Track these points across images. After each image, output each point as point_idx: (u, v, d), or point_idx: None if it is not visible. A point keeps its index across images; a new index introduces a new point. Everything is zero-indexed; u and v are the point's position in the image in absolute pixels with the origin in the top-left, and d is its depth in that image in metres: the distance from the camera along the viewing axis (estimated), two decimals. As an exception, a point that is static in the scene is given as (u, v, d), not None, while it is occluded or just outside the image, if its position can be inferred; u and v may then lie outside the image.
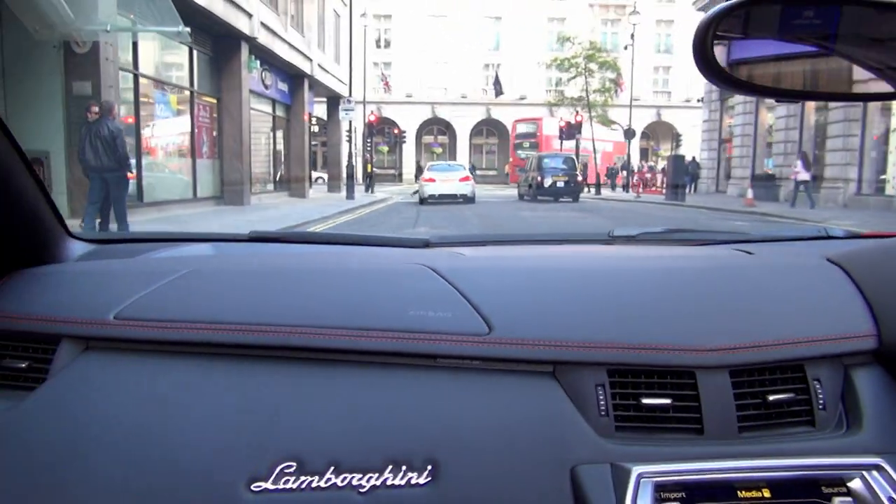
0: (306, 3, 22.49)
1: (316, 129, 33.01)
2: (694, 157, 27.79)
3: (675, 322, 1.01)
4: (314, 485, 0.86)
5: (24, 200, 1.12)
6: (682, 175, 24.29)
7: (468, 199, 21.14)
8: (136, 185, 12.69)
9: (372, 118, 30.56)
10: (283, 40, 19.39)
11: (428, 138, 48.54)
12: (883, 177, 17.79)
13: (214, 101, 16.83)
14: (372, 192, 26.84)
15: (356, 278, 1.13)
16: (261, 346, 0.98)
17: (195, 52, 15.74)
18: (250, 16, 16.25)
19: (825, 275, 1.14)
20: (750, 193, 19.38)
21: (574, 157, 25.97)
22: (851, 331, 1.02)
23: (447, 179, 21.36)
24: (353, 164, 23.14)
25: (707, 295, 1.08)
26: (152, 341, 1.00)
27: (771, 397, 0.96)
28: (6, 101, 10.12)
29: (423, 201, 21.05)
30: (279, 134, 22.12)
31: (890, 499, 0.87)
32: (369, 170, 28.56)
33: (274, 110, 21.41)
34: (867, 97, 1.01)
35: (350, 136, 24.80)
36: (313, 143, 31.01)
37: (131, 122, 12.78)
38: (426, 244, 1.50)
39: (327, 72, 25.14)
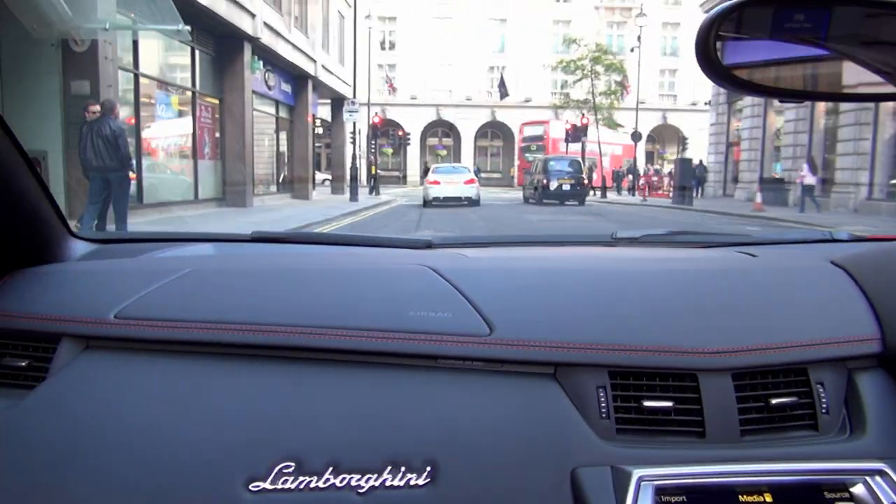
0: (310, 3, 22.34)
1: (320, 130, 32.89)
2: (701, 161, 27.55)
3: (677, 324, 1.00)
4: (313, 485, 0.86)
5: (26, 200, 1.12)
6: (689, 178, 24.16)
7: (473, 202, 20.98)
8: (137, 185, 12.54)
9: (376, 120, 30.42)
10: (287, 41, 19.23)
11: (432, 140, 48.49)
12: (894, 181, 17.53)
13: (217, 101, 16.68)
14: (377, 194, 26.71)
15: (357, 279, 1.12)
16: (261, 345, 0.98)
17: (197, 53, 15.59)
18: (253, 16, 16.10)
19: (829, 278, 1.13)
20: (759, 198, 19.16)
21: (580, 160, 25.87)
22: (855, 334, 1.01)
23: (452, 182, 21.22)
24: (357, 166, 22.97)
25: (710, 297, 1.07)
26: (152, 341, 1.00)
27: (773, 401, 0.96)
28: (3, 101, 9.97)
29: (427, 204, 20.89)
30: (282, 135, 21.95)
31: None
32: (373, 172, 28.37)
33: (277, 111, 21.25)
34: (873, 98, 1.01)
35: (354, 138, 24.65)
36: (317, 144, 30.87)
37: (132, 123, 12.61)
38: (428, 245, 1.49)
39: (331, 73, 25.00)
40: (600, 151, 32.52)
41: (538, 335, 0.97)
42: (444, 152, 46.91)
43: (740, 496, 0.88)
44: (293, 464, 0.87)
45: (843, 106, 17.84)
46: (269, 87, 19.56)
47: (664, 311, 1.03)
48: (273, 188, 21.05)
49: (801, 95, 1.05)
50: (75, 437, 0.91)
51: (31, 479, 0.89)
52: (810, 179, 18.07)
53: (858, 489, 0.88)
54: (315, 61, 22.33)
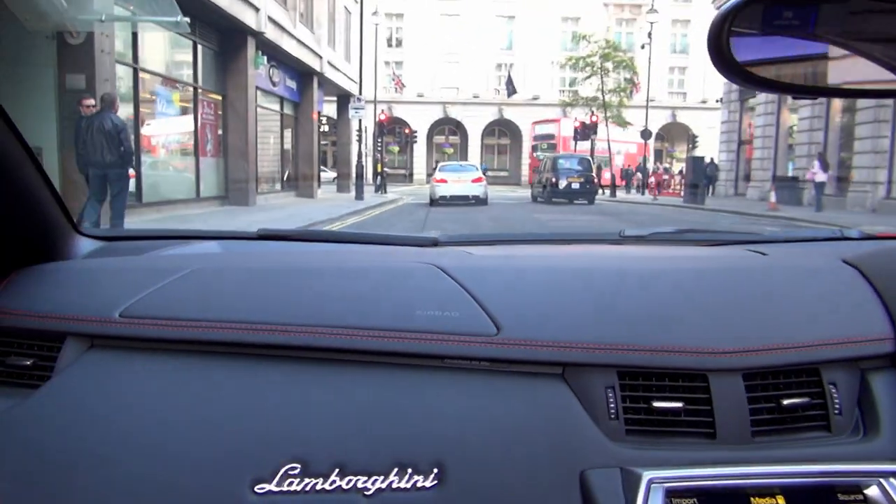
0: (316, -2, 22.07)
1: (326, 128, 32.69)
2: (712, 159, 27.20)
3: (687, 324, 0.99)
4: (319, 487, 0.85)
5: (31, 197, 1.11)
6: (700, 177, 23.86)
7: (480, 201, 20.71)
8: (136, 184, 12.26)
9: (382, 117, 30.17)
10: (292, 36, 18.93)
11: (439, 138, 48.26)
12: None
13: (220, 97, 16.39)
14: (384, 192, 26.48)
15: (364, 277, 1.11)
16: (266, 344, 0.97)
17: (199, 47, 15.29)
18: (257, 10, 15.79)
19: (841, 276, 1.12)
20: (773, 197, 18.84)
21: (589, 159, 25.63)
22: (868, 334, 1.00)
23: (459, 180, 20.96)
24: (364, 164, 22.70)
25: (720, 296, 1.07)
26: (157, 340, 0.99)
27: (785, 401, 0.95)
28: (-4, 95, 9.67)
29: (433, 203, 20.65)
30: (287, 133, 21.67)
31: None
32: (380, 169, 28.11)
33: (282, 108, 20.97)
34: (888, 94, 1.04)
35: (360, 136, 24.40)
36: (323, 142, 30.66)
37: (130, 119, 12.28)
38: (435, 243, 1.48)
39: (337, 69, 24.70)
40: (610, 149, 32.18)
41: (546, 335, 0.96)
42: (450, 150, 46.65)
43: (752, 498, 0.86)
44: (299, 465, 0.86)
45: (861, 103, 17.55)
46: (274, 84, 19.28)
47: (673, 310, 1.02)
48: (277, 186, 20.76)
49: (816, 91, 1.02)
50: (79, 437, 0.90)
51: (36, 479, 0.88)
52: (821, 177, 17.79)
53: (873, 491, 0.87)
54: (321, 57, 22.02)
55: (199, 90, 15.49)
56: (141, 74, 12.95)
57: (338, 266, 1.18)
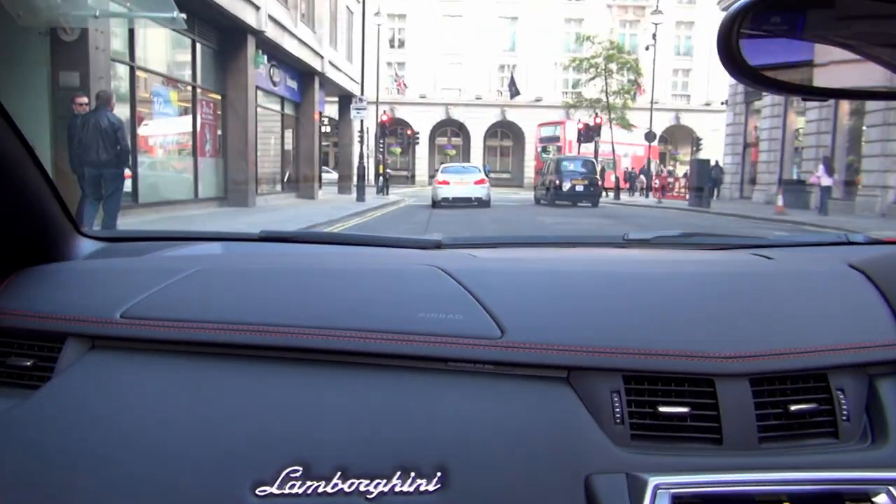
0: (318, -2, 21.86)
1: (328, 129, 32.50)
2: (717, 162, 26.99)
3: (693, 328, 0.99)
4: (320, 490, 0.85)
5: (33, 196, 1.11)
6: (705, 180, 23.60)
7: (483, 203, 20.48)
8: (132, 184, 12.02)
9: (384, 118, 29.96)
10: (293, 35, 18.71)
11: (441, 140, 48.08)
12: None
13: (219, 97, 16.17)
14: (386, 193, 26.27)
15: (366, 279, 1.11)
16: (268, 346, 0.97)
17: (198, 46, 15.07)
18: (257, 8, 15.57)
19: (848, 281, 1.12)
20: (780, 200, 18.56)
21: (594, 161, 25.44)
22: (876, 339, 0.99)
23: (461, 182, 20.76)
24: (365, 165, 22.48)
25: (726, 300, 1.06)
26: (159, 341, 0.99)
27: (792, 407, 0.94)
28: (-12, 93, 9.44)
29: (436, 205, 20.43)
30: (288, 133, 21.45)
31: None
32: (382, 171, 27.90)
33: (283, 108, 20.75)
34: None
35: (362, 137, 24.18)
36: (325, 143, 30.46)
37: (126, 119, 12.06)
38: (438, 245, 1.48)
39: (339, 70, 24.49)
40: (614, 151, 31.96)
41: (551, 338, 0.95)
42: (453, 152, 46.50)
43: None
44: (301, 468, 0.85)
45: (870, 106, 17.32)
46: (275, 83, 19.06)
47: (679, 314, 1.01)
48: (278, 187, 20.55)
49: (828, 94, 0.99)
50: (80, 438, 0.90)
51: (36, 479, 0.88)
52: (826, 181, 17.55)
53: (881, 499, 0.86)
54: (322, 57, 21.81)
55: (198, 89, 15.26)
56: (138, 73, 12.73)
57: (340, 268, 1.17)
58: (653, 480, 0.85)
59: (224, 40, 15.79)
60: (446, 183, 20.72)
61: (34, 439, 0.91)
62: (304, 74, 21.33)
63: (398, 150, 45.50)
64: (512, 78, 44.36)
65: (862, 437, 0.95)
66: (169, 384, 0.95)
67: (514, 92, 43.92)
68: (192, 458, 0.87)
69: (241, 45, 15.90)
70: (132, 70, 12.44)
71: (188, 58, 14.97)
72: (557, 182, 22.59)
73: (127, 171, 9.46)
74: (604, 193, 27.13)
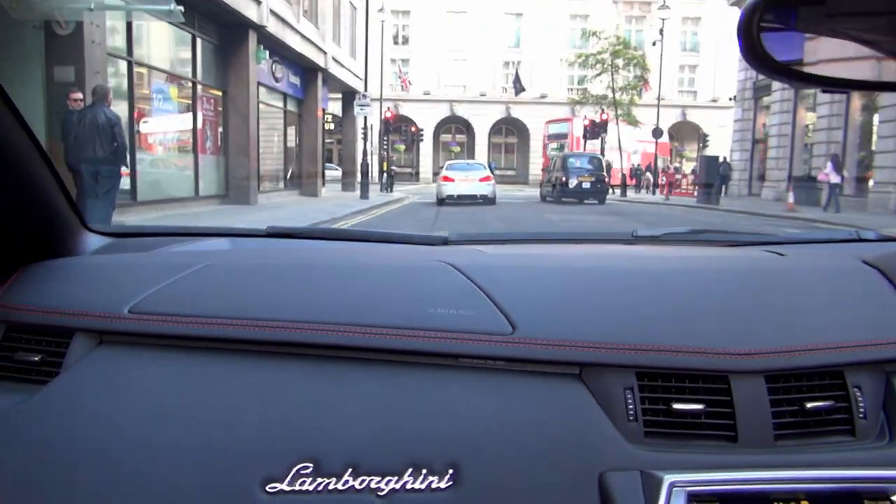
0: (321, -7, 21.62)
1: (332, 126, 32.29)
2: (725, 158, 26.68)
3: (706, 324, 0.98)
4: (331, 487, 0.85)
5: (40, 191, 1.11)
6: (714, 176, 23.35)
7: (488, 200, 20.30)
8: (131, 181, 11.80)
9: (388, 115, 29.76)
10: (296, 31, 18.49)
11: (446, 137, 47.89)
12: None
13: (220, 93, 15.96)
14: (390, 191, 26.03)
15: (375, 275, 1.11)
16: (277, 342, 0.96)
17: (199, 41, 14.84)
18: (259, 2, 15.35)
19: (862, 277, 1.11)
20: (791, 197, 18.32)
21: (600, 157, 25.19)
22: (893, 336, 0.98)
23: (466, 179, 20.53)
24: (369, 162, 22.24)
25: (739, 297, 1.05)
26: (166, 336, 0.99)
27: (809, 405, 0.93)
28: (-19, 88, 9.23)
29: (440, 202, 20.23)
30: (290, 130, 21.23)
31: None
32: (386, 168, 27.68)
33: (285, 105, 20.52)
34: None
35: (366, 134, 23.95)
36: (329, 140, 30.24)
37: (124, 115, 11.85)
38: (445, 241, 1.47)
39: (342, 66, 24.25)
40: (620, 147, 31.69)
41: (562, 334, 0.94)
42: (457, 149, 46.33)
43: (775, 503, 0.85)
44: (311, 464, 0.85)
45: (883, 101, 16.97)
46: (277, 80, 18.84)
47: (692, 310, 1.01)
48: (280, 184, 20.34)
49: (854, 86, 0.98)
50: (88, 434, 0.90)
51: (44, 475, 0.87)
52: (835, 178, 17.35)
53: None
54: (325, 53, 21.59)
55: (199, 85, 15.04)
56: (137, 69, 12.51)
57: (348, 264, 1.17)
58: (668, 478, 0.84)
59: (225, 35, 15.56)
60: (451, 180, 20.51)
61: (43, 434, 0.91)
62: (307, 71, 21.11)
63: (402, 147, 45.26)
64: (517, 74, 44.16)
65: (879, 434, 0.94)
66: (178, 380, 0.95)
67: (519, 88, 43.73)
68: (202, 455, 0.86)
69: (242, 40, 15.67)
70: (130, 66, 12.23)
71: (188, 53, 14.74)
72: (564, 179, 22.39)
73: (124, 169, 9.25)
74: (610, 191, 26.93)
